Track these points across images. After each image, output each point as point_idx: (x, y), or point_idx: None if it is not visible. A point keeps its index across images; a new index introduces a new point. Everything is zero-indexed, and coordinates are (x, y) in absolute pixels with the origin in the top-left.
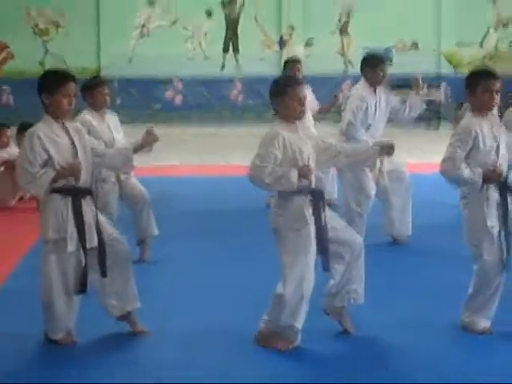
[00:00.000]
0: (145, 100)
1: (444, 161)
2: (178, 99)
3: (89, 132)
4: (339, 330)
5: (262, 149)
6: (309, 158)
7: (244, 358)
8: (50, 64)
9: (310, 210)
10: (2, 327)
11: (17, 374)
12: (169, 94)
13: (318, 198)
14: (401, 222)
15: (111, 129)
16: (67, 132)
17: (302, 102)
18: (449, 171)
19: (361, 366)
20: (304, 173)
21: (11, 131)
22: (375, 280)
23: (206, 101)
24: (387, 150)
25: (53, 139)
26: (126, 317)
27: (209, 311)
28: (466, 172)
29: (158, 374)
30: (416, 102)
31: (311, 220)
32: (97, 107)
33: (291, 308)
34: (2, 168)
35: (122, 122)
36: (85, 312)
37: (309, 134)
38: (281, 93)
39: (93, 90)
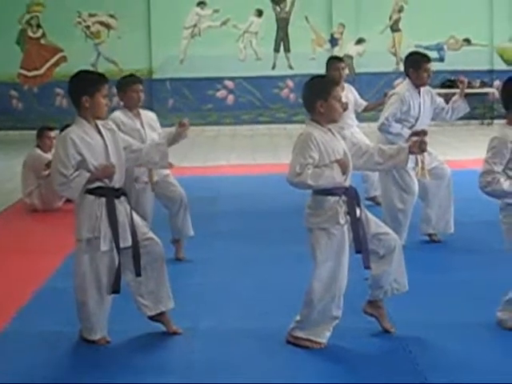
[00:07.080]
0: (197, 100)
1: (481, 175)
2: (230, 99)
3: (120, 130)
4: (378, 330)
5: (299, 153)
6: (345, 155)
7: (274, 359)
8: (102, 67)
9: (344, 210)
10: (40, 325)
11: (48, 373)
12: (220, 93)
13: (352, 197)
14: (439, 220)
15: (144, 127)
16: (99, 132)
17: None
18: (487, 185)
19: (394, 367)
20: (343, 165)
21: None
22: (411, 280)
23: (258, 100)
24: (419, 144)
25: (86, 141)
26: (159, 316)
27: (242, 312)
28: (505, 184)
29: (187, 375)
30: (460, 105)
31: (345, 220)
32: (130, 105)
33: (321, 307)
34: (47, 171)
35: (174, 123)
36: (118, 311)
37: (343, 135)
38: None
39: (125, 88)
